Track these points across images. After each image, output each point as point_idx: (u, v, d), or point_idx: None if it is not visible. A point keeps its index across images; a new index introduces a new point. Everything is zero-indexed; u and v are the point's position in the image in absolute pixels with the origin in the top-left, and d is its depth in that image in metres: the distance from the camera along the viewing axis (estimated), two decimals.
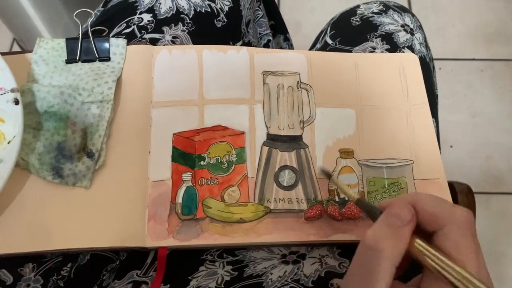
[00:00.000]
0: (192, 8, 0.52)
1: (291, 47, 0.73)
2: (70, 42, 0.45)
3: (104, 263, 0.45)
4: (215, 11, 0.53)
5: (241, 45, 0.56)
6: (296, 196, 0.43)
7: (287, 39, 0.72)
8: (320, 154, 0.45)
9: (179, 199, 0.42)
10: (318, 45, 0.60)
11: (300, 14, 1.31)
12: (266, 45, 0.66)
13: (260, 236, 0.41)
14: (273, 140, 0.45)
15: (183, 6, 0.51)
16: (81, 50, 0.46)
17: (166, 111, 0.45)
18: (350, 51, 0.54)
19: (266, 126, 0.45)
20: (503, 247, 1.06)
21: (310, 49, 0.63)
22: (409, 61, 0.50)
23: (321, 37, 0.61)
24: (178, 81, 0.46)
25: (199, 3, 0.52)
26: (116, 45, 0.46)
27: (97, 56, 0.46)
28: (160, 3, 0.51)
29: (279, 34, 0.71)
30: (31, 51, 0.46)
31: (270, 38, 0.66)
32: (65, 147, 0.41)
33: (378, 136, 0.46)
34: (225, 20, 0.53)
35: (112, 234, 0.40)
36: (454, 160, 1.15)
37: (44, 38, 0.46)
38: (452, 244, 0.28)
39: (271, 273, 0.40)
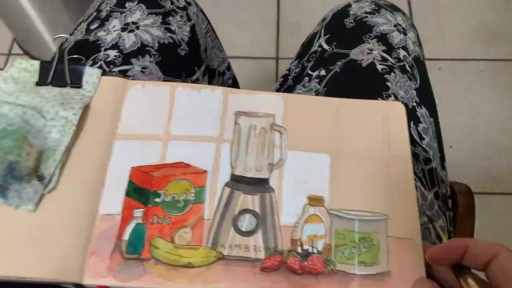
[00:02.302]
0: (156, 41, 0.53)
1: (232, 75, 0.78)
2: (45, 65, 0.45)
3: None
4: (177, 41, 0.55)
5: (204, 70, 0.58)
6: (254, 243, 0.39)
7: (229, 68, 0.78)
8: (287, 200, 0.41)
9: (126, 236, 0.39)
10: (312, 49, 0.59)
11: (300, 14, 1.33)
12: (228, 67, 0.71)
13: (207, 284, 0.37)
14: (237, 182, 0.42)
15: (147, 40, 0.53)
16: (54, 74, 0.45)
17: (129, 143, 0.43)
18: (348, 54, 0.53)
19: (232, 167, 0.42)
20: None
21: (304, 49, 0.63)
22: (395, 110, 0.47)
23: (315, 40, 0.60)
24: (147, 116, 0.44)
25: (161, 35, 0.54)
26: (90, 74, 0.46)
27: (68, 82, 0.45)
28: (124, 39, 0.52)
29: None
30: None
31: (228, 64, 0.72)
32: (16, 168, 0.39)
33: (353, 185, 0.42)
34: (187, 48, 0.56)
35: (48, 265, 0.37)
36: (454, 160, 1.12)
37: (19, 58, 0.46)
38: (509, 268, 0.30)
39: None
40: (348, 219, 0.40)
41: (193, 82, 0.56)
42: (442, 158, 0.55)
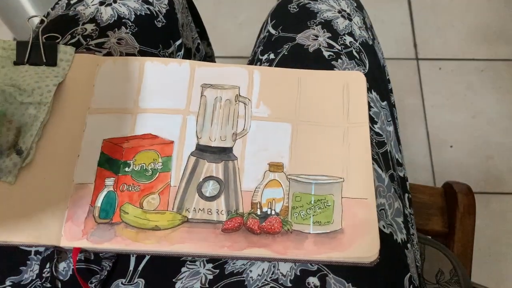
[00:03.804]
0: (133, 13, 0.55)
1: (212, 51, 0.80)
2: (21, 45, 0.48)
3: (89, 276, 0.45)
4: (154, 13, 0.57)
5: (179, 44, 0.59)
6: (217, 207, 0.42)
7: (209, 45, 0.79)
8: (249, 167, 0.44)
9: (98, 203, 0.42)
10: (261, 35, 0.60)
11: None
12: (197, 48, 0.71)
13: (172, 244, 0.40)
14: (202, 151, 0.45)
15: (123, 12, 0.54)
16: (30, 54, 0.48)
17: (101, 117, 0.46)
18: (294, 38, 0.54)
19: (197, 137, 0.45)
20: (503, 247, 1.04)
21: (256, 40, 0.65)
22: (355, 80, 0.49)
23: (263, 28, 0.61)
24: (117, 90, 0.47)
25: (138, 7, 0.56)
26: (64, 52, 0.48)
27: (44, 61, 0.48)
28: (101, 13, 0.54)
29: (203, 40, 0.76)
30: None
31: (199, 41, 0.72)
32: None
33: (311, 152, 0.45)
34: (164, 21, 0.57)
35: (28, 230, 0.41)
36: (454, 160, 1.14)
37: None
38: None
39: (250, 271, 0.41)
40: (305, 183, 0.43)
41: (169, 54, 0.58)
42: (398, 141, 0.56)
